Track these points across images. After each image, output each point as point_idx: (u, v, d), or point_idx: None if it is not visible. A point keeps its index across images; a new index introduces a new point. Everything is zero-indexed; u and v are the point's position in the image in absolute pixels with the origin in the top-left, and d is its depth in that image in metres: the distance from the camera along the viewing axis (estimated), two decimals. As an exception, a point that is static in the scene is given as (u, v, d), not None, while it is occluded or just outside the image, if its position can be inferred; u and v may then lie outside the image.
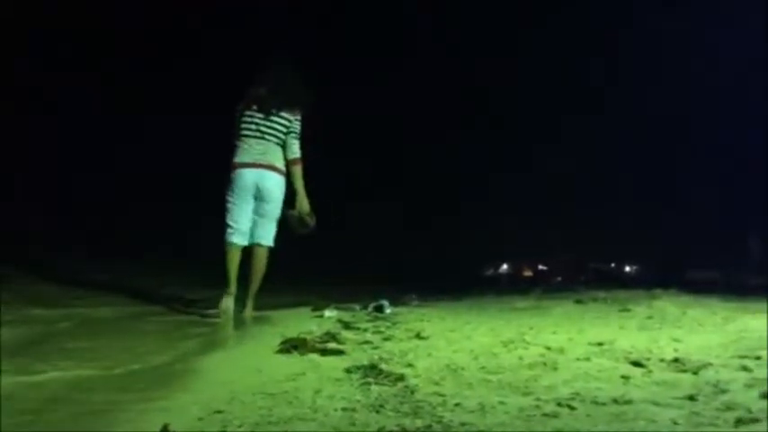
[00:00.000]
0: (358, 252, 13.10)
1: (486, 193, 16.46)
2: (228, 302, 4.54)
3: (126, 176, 10.81)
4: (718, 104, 12.93)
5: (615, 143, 15.29)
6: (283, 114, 4.77)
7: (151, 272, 7.69)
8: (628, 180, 15.44)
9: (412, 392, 2.03)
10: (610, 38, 13.60)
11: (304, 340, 3.05)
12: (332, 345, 3.07)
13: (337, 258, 11.73)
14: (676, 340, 3.07)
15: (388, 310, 4.80)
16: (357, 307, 5.04)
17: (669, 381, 2.10)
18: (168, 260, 8.81)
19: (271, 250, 4.84)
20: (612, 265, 18.25)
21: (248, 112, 4.75)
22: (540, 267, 18.77)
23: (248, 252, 4.80)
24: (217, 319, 4.46)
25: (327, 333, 3.37)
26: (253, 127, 4.73)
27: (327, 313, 4.52)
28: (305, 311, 4.93)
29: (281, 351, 2.91)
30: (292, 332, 3.41)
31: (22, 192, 9.38)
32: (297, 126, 4.82)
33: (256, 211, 4.74)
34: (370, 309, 4.88)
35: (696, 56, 12.95)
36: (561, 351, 2.74)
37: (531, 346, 2.94)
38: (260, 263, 4.77)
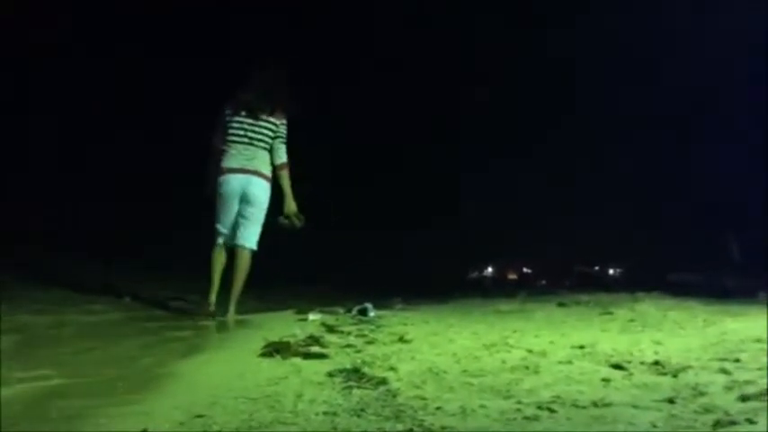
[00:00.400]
0: (345, 253, 13.08)
1: (474, 195, 16.48)
2: (212, 300, 4.64)
3: (126, 176, 10.82)
4: (701, 107, 13.05)
5: (599, 146, 15.38)
6: (271, 119, 4.84)
7: (146, 274, 7.70)
8: (613, 183, 15.53)
9: (394, 396, 2.03)
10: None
11: (287, 344, 3.04)
12: (315, 348, 3.06)
13: (322, 259, 11.72)
14: (657, 343, 3.09)
15: (371, 314, 4.80)
16: (341, 310, 5.05)
17: (649, 383, 2.12)
18: (164, 261, 8.80)
19: (253, 253, 4.86)
20: (596, 267, 18.38)
21: (237, 118, 4.81)
22: (525, 270, 18.86)
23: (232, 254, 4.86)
24: (206, 321, 4.50)
25: (311, 337, 3.37)
26: (241, 132, 4.79)
27: (311, 317, 4.52)
28: (289, 315, 4.92)
29: (263, 355, 2.90)
30: (276, 336, 3.41)
31: (19, 191, 9.32)
32: (283, 130, 4.90)
33: (240, 214, 4.79)
34: (354, 312, 4.87)
35: (669, 56, 13.08)
36: (543, 354, 2.75)
37: (514, 349, 2.95)
38: (242, 265, 4.78)
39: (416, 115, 15.23)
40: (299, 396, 2.07)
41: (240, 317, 4.77)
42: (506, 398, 1.99)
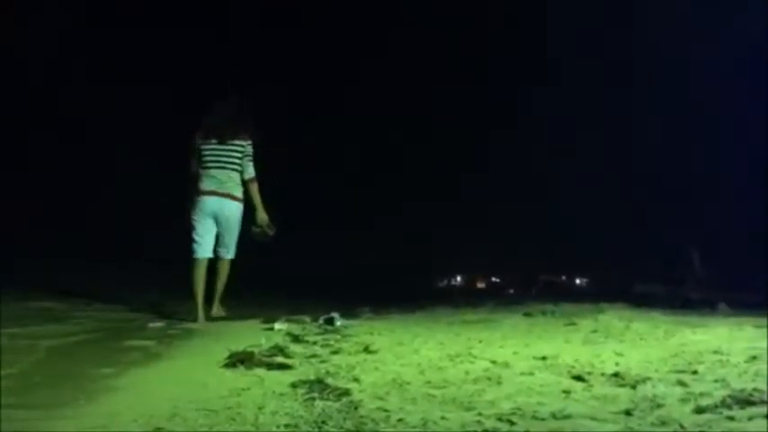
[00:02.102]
0: (314, 260, 13.05)
1: (443, 204, 16.54)
2: (199, 313, 5.15)
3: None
4: (670, 117, 13.29)
5: (566, 155, 15.59)
6: (237, 141, 5.41)
7: (128, 278, 7.91)
8: (582, 194, 15.73)
9: (356, 408, 2.03)
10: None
11: (251, 354, 3.02)
12: (279, 359, 3.05)
13: (293, 267, 11.67)
14: (618, 354, 3.13)
15: (338, 323, 4.78)
16: (308, 319, 5.01)
17: (608, 395, 2.15)
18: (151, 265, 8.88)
19: (232, 261, 5.52)
20: (563, 277, 18.56)
21: (207, 145, 5.39)
22: (493, 279, 18.96)
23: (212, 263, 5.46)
24: (193, 324, 4.90)
25: (275, 346, 3.35)
26: (213, 158, 5.37)
27: (277, 326, 4.48)
28: (255, 324, 4.89)
29: (227, 365, 2.88)
30: (241, 345, 3.38)
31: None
32: (250, 149, 5.46)
33: (219, 231, 5.43)
34: (320, 321, 4.85)
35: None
36: (506, 365, 2.78)
37: (478, 360, 2.97)
38: (223, 273, 5.48)
39: (394, 119, 15.28)
40: (261, 408, 2.06)
41: (210, 324, 5.01)
42: (468, 410, 2.00)
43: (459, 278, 19.38)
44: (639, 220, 14.18)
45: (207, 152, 5.37)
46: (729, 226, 11.44)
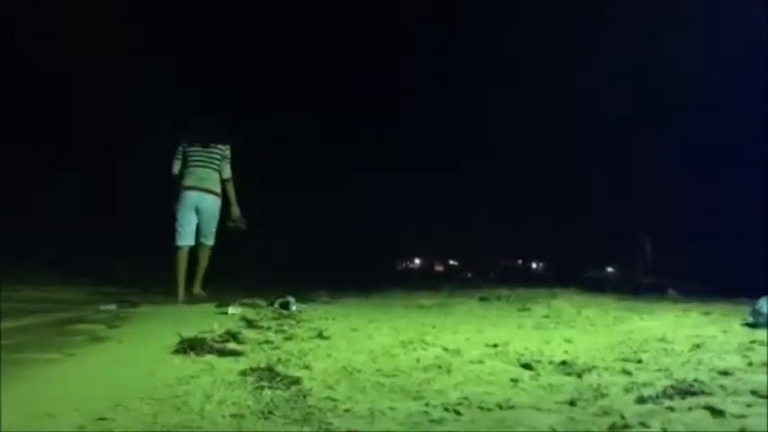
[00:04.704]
0: (272, 246, 12.97)
1: (402, 190, 16.58)
2: (180, 295, 5.91)
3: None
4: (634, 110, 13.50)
5: (528, 146, 15.75)
6: (218, 146, 6.30)
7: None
8: (540, 181, 15.95)
9: (304, 397, 2.02)
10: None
11: (202, 340, 2.98)
12: (231, 345, 3.02)
13: (256, 253, 11.60)
14: (568, 341, 3.19)
15: (293, 308, 4.76)
16: (263, 303, 4.98)
17: (554, 384, 2.18)
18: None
19: (212, 248, 6.32)
20: (520, 261, 18.85)
21: (192, 148, 6.25)
22: (451, 263, 19.14)
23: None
24: (128, 309, 4.80)
25: (228, 332, 3.30)
26: (197, 158, 6.24)
27: (231, 310, 4.44)
28: (209, 308, 4.84)
29: (177, 351, 2.84)
30: (193, 330, 3.33)
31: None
32: (228, 153, 6.36)
33: (200, 222, 6.23)
34: (275, 306, 4.82)
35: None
36: (457, 353, 2.80)
37: (430, 347, 2.99)
38: (204, 258, 6.28)
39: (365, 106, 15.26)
40: (209, 397, 2.03)
41: (155, 307, 5.03)
42: (416, 399, 2.01)
43: (417, 261, 19.52)
44: (596, 207, 14.44)
45: (191, 154, 6.22)
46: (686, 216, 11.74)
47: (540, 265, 18.29)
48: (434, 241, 18.02)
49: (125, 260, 8.97)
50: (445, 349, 2.90)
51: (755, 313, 3.80)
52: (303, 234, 14.37)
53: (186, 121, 6.55)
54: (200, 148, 6.23)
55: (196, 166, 6.20)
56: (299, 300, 5.15)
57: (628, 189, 13.42)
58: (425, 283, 11.38)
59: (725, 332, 3.46)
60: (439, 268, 18.69)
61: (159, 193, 6.65)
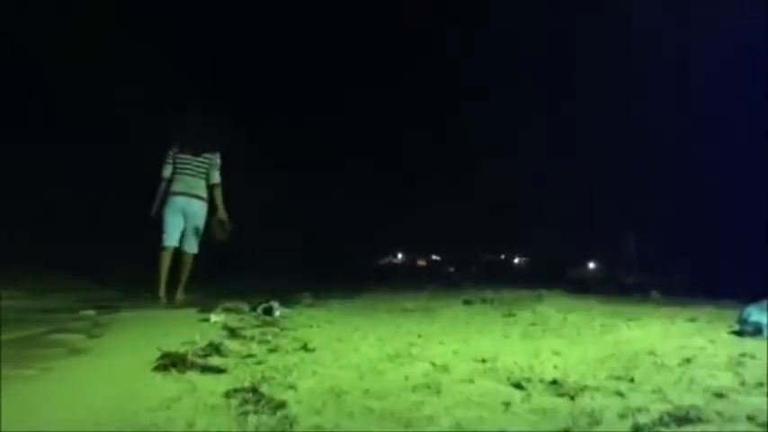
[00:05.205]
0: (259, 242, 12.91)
1: (396, 186, 16.58)
2: (161, 293, 6.09)
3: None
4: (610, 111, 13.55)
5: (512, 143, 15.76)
6: (207, 155, 6.49)
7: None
8: (523, 180, 15.99)
9: (291, 424, 1.96)
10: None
11: (183, 356, 2.90)
12: (213, 359, 2.94)
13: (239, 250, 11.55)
14: (556, 354, 3.16)
15: (277, 313, 4.70)
16: (246, 308, 4.90)
17: (547, 408, 2.13)
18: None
19: (195, 255, 6.52)
20: (502, 256, 18.87)
21: (182, 155, 6.44)
22: (434, 257, 19.13)
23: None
24: (108, 315, 4.70)
25: (210, 344, 3.23)
26: (186, 166, 6.43)
27: (213, 317, 4.36)
28: (191, 314, 4.76)
29: (157, 368, 2.75)
30: (174, 341, 3.26)
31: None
32: (217, 160, 6.54)
33: (186, 227, 6.41)
34: (259, 311, 4.75)
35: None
36: (446, 369, 2.75)
37: (417, 361, 2.94)
38: (187, 265, 6.46)
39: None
40: (191, 425, 1.96)
41: (138, 312, 4.90)
42: (406, 426, 1.95)
43: (400, 256, 19.49)
44: (582, 203, 14.52)
45: (181, 162, 6.43)
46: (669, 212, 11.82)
47: (523, 260, 18.33)
48: (417, 237, 18.01)
49: (125, 260, 9.04)
50: (433, 364, 2.85)
51: (742, 322, 3.80)
52: (288, 232, 14.29)
53: (184, 118, 6.70)
54: (190, 157, 6.44)
55: (185, 174, 6.42)
56: (283, 303, 5.08)
57: (619, 186, 13.50)
58: (408, 279, 11.35)
59: (712, 342, 3.45)
60: (421, 263, 18.69)
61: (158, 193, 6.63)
